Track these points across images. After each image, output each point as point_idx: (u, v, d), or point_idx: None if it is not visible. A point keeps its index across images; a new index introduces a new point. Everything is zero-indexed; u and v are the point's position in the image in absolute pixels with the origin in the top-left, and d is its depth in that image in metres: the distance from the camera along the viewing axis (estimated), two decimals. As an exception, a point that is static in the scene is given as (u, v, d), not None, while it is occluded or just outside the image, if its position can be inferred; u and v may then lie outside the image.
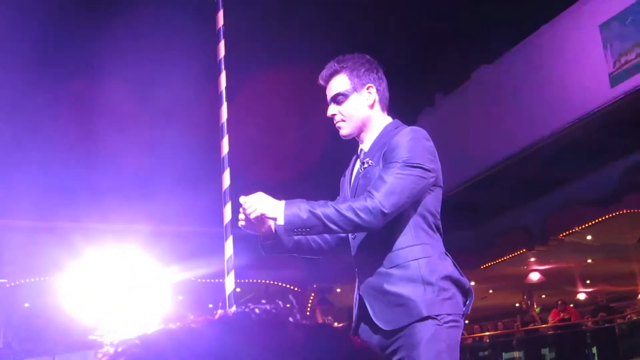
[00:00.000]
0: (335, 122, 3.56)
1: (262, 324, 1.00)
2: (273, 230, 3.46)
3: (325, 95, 3.60)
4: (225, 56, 4.64)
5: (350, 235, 3.52)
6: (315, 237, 3.60)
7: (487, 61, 16.66)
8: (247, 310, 1.02)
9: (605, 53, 13.44)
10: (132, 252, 14.00)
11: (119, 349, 0.97)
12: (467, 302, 3.41)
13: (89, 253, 13.93)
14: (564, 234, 17.62)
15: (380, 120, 3.58)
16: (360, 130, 3.56)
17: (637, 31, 12.87)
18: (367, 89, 3.54)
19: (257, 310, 1.02)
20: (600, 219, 16.41)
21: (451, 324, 3.28)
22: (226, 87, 4.58)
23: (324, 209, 3.15)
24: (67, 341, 12.61)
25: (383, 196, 3.18)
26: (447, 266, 3.39)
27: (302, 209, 3.14)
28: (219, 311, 1.01)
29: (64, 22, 13.84)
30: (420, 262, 3.30)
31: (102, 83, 14.29)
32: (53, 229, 15.08)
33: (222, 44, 4.66)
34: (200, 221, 15.05)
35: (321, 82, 3.58)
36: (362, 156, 3.56)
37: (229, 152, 4.54)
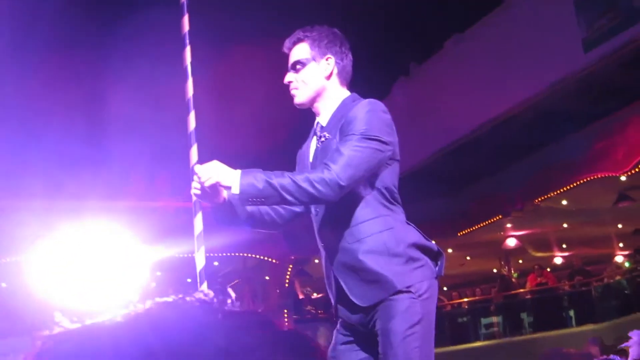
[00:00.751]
0: (290, 89, 3.55)
1: (190, 313, 0.99)
2: (226, 200, 3.42)
3: None
4: (189, 31, 4.61)
5: (312, 211, 3.52)
6: (268, 210, 3.58)
7: (459, 30, 16.63)
8: (178, 299, 1.01)
9: (578, 18, 13.46)
10: (110, 228, 13.94)
11: (45, 346, 0.96)
12: (439, 265, 3.45)
13: (65, 231, 13.85)
14: (540, 199, 17.72)
15: (338, 93, 3.57)
16: (314, 100, 3.55)
17: (609, -5, 12.92)
18: (326, 59, 3.53)
19: (188, 299, 1.01)
20: (575, 184, 16.51)
21: (425, 295, 3.29)
22: (191, 62, 4.56)
23: (281, 180, 3.12)
24: (45, 320, 12.57)
25: (340, 168, 3.17)
26: (412, 234, 3.41)
27: (258, 178, 3.10)
28: (147, 302, 1.00)
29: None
30: (383, 234, 3.31)
31: (76, 62, 14.17)
32: (27, 207, 14.98)
33: (186, 18, 4.62)
34: (176, 196, 15.01)
35: (285, 49, 3.59)
36: (318, 130, 3.55)
37: (196, 128, 4.52)
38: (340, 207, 3.29)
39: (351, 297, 3.33)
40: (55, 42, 13.91)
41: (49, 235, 13.93)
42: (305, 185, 3.13)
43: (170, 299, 0.99)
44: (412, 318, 3.21)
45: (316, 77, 3.52)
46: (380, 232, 3.31)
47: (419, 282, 3.28)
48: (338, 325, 3.56)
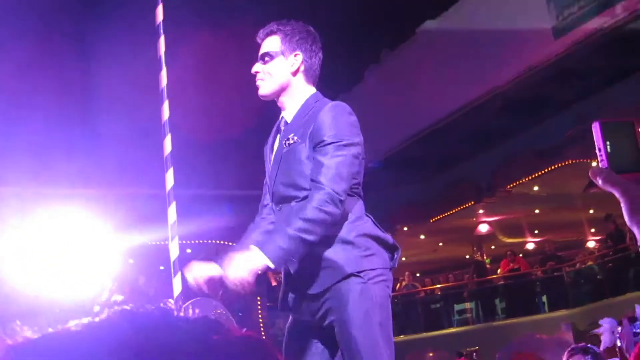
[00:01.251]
0: (256, 79, 3.54)
1: (146, 321, 0.99)
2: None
3: None
4: (163, 21, 4.58)
5: (274, 207, 3.50)
6: (265, 228, 3.57)
7: (431, 17, 16.67)
8: (137, 307, 1.00)
9: (548, 6, 13.54)
10: (81, 216, 13.86)
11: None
12: (394, 257, 3.43)
13: (36, 218, 13.76)
14: (511, 185, 17.85)
15: (303, 90, 3.55)
16: (278, 94, 3.53)
17: (579, -17, 12.99)
18: (295, 55, 3.52)
19: (142, 310, 1.00)
20: (546, 170, 16.64)
21: (377, 279, 3.29)
22: (165, 52, 4.54)
23: (294, 226, 3.12)
24: (16, 309, 12.50)
25: (333, 183, 3.20)
26: (366, 225, 3.41)
27: (277, 241, 3.10)
28: (105, 311, 1.00)
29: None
30: (341, 224, 3.32)
31: (49, 47, 14.06)
32: (-1, 194, 14.86)
33: (159, 8, 4.60)
34: (149, 184, 14.94)
35: (257, 39, 3.58)
36: (283, 126, 3.55)
37: (169, 117, 4.50)
38: (300, 201, 3.30)
39: (300, 285, 3.36)
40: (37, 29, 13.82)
41: (20, 223, 13.82)
42: (316, 216, 3.13)
43: (128, 307, 0.98)
44: (366, 303, 3.22)
45: (282, 71, 3.51)
46: (336, 223, 3.30)
47: (370, 268, 3.28)
48: (289, 323, 3.58)
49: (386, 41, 18.06)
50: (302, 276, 3.34)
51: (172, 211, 4.47)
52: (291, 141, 3.41)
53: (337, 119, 3.35)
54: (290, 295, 3.46)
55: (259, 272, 3.11)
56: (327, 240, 3.27)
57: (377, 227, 3.45)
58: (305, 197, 3.26)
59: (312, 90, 3.58)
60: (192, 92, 13.24)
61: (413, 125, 16.94)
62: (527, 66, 14.04)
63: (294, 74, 3.52)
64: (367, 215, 3.47)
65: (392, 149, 17.15)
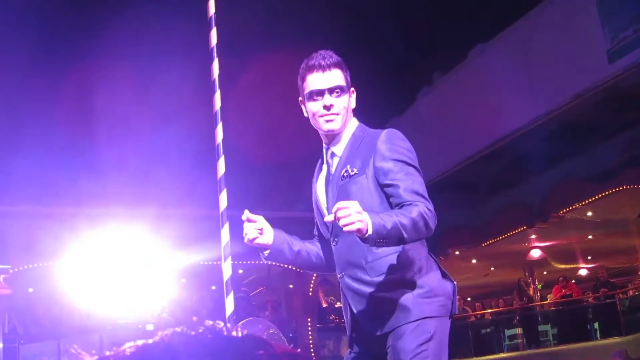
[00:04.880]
0: (329, 113, 3.44)
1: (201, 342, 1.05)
2: (270, 242, 3.46)
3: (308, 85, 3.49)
4: (217, 44, 4.67)
5: (330, 239, 3.52)
6: (316, 252, 3.64)
7: (483, 40, 16.65)
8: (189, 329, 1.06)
9: (603, 29, 13.44)
10: (135, 235, 14.06)
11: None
12: (454, 302, 3.45)
13: (92, 237, 13.99)
14: (564, 210, 17.65)
15: (352, 122, 3.57)
16: (341, 130, 3.51)
17: (634, 7, 12.87)
18: (353, 92, 3.54)
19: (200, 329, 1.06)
20: (600, 195, 16.44)
21: (438, 318, 3.33)
22: (219, 75, 4.62)
23: (402, 219, 3.07)
24: (71, 325, 12.70)
25: (427, 201, 3.22)
26: (433, 269, 3.43)
27: (384, 219, 3.04)
28: (159, 333, 1.06)
29: (63, 10, 13.91)
30: (404, 269, 3.33)
31: (103, 68, 14.32)
32: (55, 213, 15.13)
33: (214, 31, 4.69)
34: (201, 204, 15.10)
35: (317, 69, 3.41)
36: (333, 159, 3.54)
37: (223, 140, 4.59)
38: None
39: (364, 327, 3.38)
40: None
41: (76, 242, 14.06)
42: (418, 218, 3.12)
43: (180, 329, 1.03)
44: (423, 335, 3.25)
45: (349, 107, 3.52)
46: (402, 267, 3.32)
47: (435, 315, 3.31)
48: (348, 355, 3.58)
49: (438, 64, 18.09)
50: (366, 318, 3.37)
51: (225, 232, 4.54)
52: (351, 172, 3.40)
53: (398, 144, 3.37)
54: (357, 332, 3.48)
55: (357, 230, 2.97)
56: (397, 285, 3.30)
57: (440, 268, 3.47)
58: None
59: (356, 121, 3.59)
60: (245, 115, 13.38)
61: (465, 149, 16.88)
62: (580, 90, 13.93)
63: (352, 110, 3.55)
64: (431, 256, 3.48)
65: (443, 172, 17.10)
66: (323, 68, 3.42)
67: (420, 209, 3.14)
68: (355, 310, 3.40)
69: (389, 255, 3.32)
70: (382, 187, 3.33)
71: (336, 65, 3.44)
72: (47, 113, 14.65)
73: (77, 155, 14.49)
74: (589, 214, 18.27)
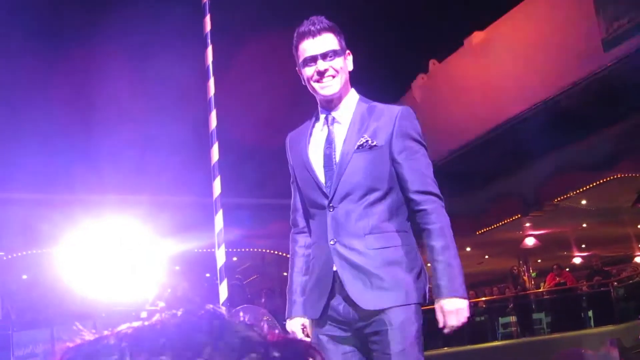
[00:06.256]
0: (324, 76, 3.43)
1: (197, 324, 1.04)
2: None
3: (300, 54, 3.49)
4: (211, 31, 4.66)
5: (328, 205, 3.46)
6: (304, 260, 3.65)
7: (479, 28, 16.62)
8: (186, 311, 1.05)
9: (598, 18, 13.42)
10: (129, 222, 14.05)
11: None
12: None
13: (86, 224, 13.97)
14: (559, 199, 17.70)
15: (351, 90, 3.57)
16: (341, 94, 3.50)
17: (629, -5, 12.87)
18: (348, 54, 3.52)
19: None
20: (594, 184, 16.48)
21: (419, 305, 3.38)
22: (213, 62, 4.61)
23: (450, 253, 3.39)
24: (65, 312, 12.69)
25: (437, 189, 3.42)
26: (420, 256, 3.49)
27: (455, 277, 3.32)
28: (156, 315, 1.05)
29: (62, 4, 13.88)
30: (404, 248, 3.36)
31: (97, 57, 14.28)
32: (50, 200, 15.13)
33: (207, 18, 4.67)
34: (195, 191, 15.10)
35: (309, 36, 3.41)
36: (334, 125, 3.52)
37: (217, 126, 4.57)
38: (368, 212, 3.35)
39: (353, 299, 3.33)
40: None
41: (70, 229, 14.06)
42: (449, 232, 3.43)
43: (178, 312, 1.02)
44: (420, 321, 3.32)
45: (346, 68, 3.50)
46: (402, 246, 3.36)
47: (422, 302, 3.38)
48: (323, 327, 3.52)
49: (434, 52, 18.05)
50: (357, 289, 3.34)
51: (218, 219, 4.54)
52: (372, 143, 3.40)
53: (416, 124, 3.47)
54: (337, 300, 3.41)
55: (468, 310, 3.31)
56: (396, 262, 3.34)
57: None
58: (379, 197, 3.36)
59: (355, 91, 3.59)
60: (239, 101, 13.35)
61: (461, 137, 16.88)
62: (575, 79, 13.93)
63: (350, 73, 3.53)
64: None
65: (439, 160, 17.10)
66: (313, 34, 3.42)
67: (440, 214, 3.41)
68: (344, 280, 3.35)
69: (391, 232, 3.36)
70: (393, 161, 3.38)
71: (327, 29, 3.44)
72: (42, 101, 14.61)
73: (71, 142, 14.46)
74: (583, 202, 18.31)
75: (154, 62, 13.92)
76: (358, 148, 3.40)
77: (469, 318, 3.28)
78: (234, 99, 12.23)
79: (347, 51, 3.52)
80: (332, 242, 3.41)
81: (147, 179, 14.82)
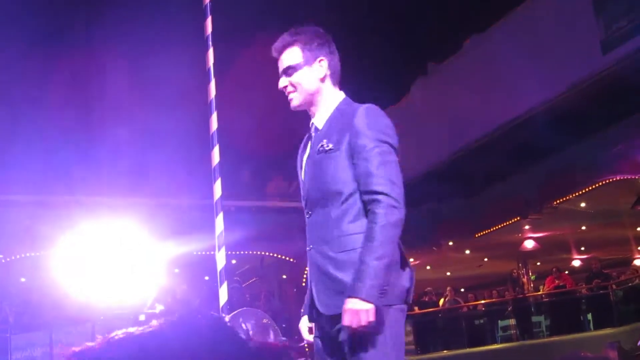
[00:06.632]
0: (287, 93, 3.52)
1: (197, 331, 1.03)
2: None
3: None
4: (212, 32, 4.64)
5: (305, 212, 3.47)
6: None
7: (478, 30, 16.62)
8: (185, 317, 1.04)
9: (597, 20, 13.43)
10: (129, 225, 14.02)
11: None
12: (409, 290, 3.34)
13: (85, 227, 13.94)
14: (558, 201, 17.67)
15: (332, 95, 3.54)
16: (311, 103, 3.52)
17: (628, -3, 12.89)
18: (319, 62, 3.49)
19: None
20: (593, 186, 16.45)
21: (394, 307, 3.25)
22: (214, 64, 4.59)
23: (371, 254, 3.10)
24: (64, 315, 12.67)
25: (389, 189, 3.17)
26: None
27: (365, 280, 3.06)
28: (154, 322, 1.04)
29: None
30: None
31: (98, 60, 14.29)
32: (49, 203, 15.11)
33: (209, 20, 4.66)
34: (195, 194, 15.08)
35: (274, 54, 3.55)
36: (314, 133, 3.52)
37: (218, 129, 4.56)
38: (337, 214, 3.29)
39: (317, 304, 3.33)
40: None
41: (68, 231, 14.03)
42: (385, 235, 3.13)
43: (174, 317, 1.01)
44: (385, 326, 3.17)
45: (311, 80, 3.49)
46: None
47: (386, 304, 3.21)
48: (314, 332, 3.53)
49: (433, 54, 18.04)
50: (319, 294, 3.33)
51: (219, 221, 4.52)
52: (326, 147, 3.37)
53: (375, 122, 3.32)
54: (313, 309, 3.43)
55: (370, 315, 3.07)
56: (353, 262, 3.20)
57: (402, 252, 3.37)
58: (341, 201, 3.27)
59: (341, 94, 3.56)
60: (240, 104, 13.34)
61: (459, 139, 16.86)
62: (574, 81, 13.92)
63: (323, 80, 3.50)
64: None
65: (437, 163, 17.08)
66: (277, 51, 3.54)
67: (379, 214, 3.14)
68: (313, 286, 3.36)
69: (356, 234, 3.25)
70: (353, 163, 3.29)
71: (289, 44, 3.51)
72: (41, 102, 14.61)
73: (70, 144, 14.45)
74: (583, 204, 18.28)
75: (154, 64, 13.91)
76: (317, 153, 3.41)
77: (374, 325, 3.06)
78: (236, 101, 12.21)
79: (320, 58, 3.49)
80: (308, 249, 3.44)
81: (146, 181, 14.81)
